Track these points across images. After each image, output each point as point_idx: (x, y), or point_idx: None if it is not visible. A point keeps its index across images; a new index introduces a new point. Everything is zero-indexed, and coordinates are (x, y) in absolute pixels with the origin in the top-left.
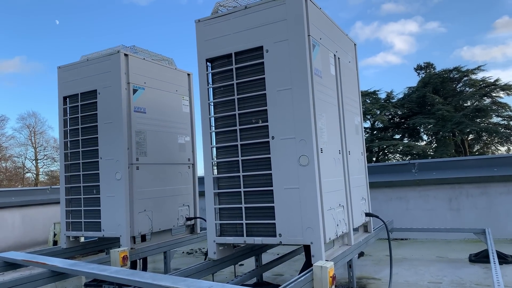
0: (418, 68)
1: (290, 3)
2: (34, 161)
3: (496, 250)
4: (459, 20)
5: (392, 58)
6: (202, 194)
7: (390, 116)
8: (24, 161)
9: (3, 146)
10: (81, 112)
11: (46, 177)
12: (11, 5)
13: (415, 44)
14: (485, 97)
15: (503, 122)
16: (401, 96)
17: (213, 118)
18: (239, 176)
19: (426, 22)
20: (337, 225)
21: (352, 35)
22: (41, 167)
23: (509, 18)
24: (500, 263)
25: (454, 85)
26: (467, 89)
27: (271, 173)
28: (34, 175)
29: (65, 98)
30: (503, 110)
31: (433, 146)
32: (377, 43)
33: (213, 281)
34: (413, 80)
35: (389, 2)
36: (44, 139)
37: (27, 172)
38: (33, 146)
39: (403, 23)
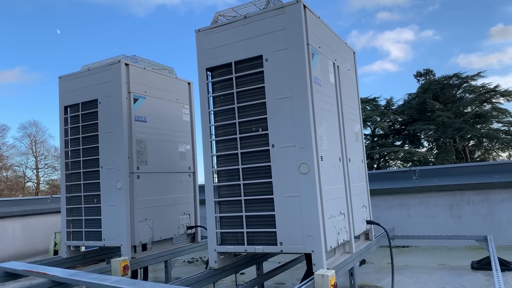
0: (418, 75)
1: (289, 13)
2: (35, 170)
3: (498, 257)
4: (454, 28)
5: (389, 66)
6: (202, 202)
7: (390, 123)
8: (25, 170)
9: (4, 155)
10: (82, 122)
11: (47, 186)
12: (12, 16)
13: (411, 52)
14: (485, 103)
15: (503, 128)
16: (401, 102)
17: (213, 127)
18: (239, 184)
19: (422, 31)
20: (338, 233)
21: (348, 43)
22: (42, 176)
23: (504, 26)
24: (502, 270)
25: (454, 92)
26: (467, 95)
27: (271, 181)
28: (35, 184)
29: (66, 107)
30: (504, 116)
31: (434, 152)
32: (373, 51)
33: None
34: (411, 87)
35: (384, 11)
36: (45, 148)
37: (28, 181)
38: (34, 155)
39: (398, 31)
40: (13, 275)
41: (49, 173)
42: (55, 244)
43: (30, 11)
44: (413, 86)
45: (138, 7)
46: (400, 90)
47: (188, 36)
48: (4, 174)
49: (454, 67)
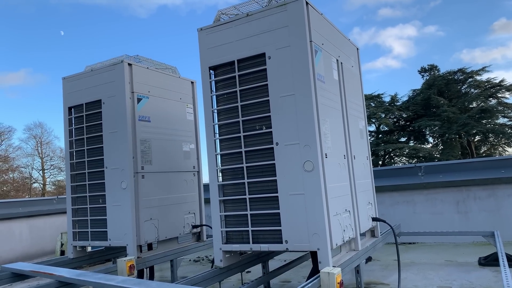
0: (422, 71)
1: (291, 10)
2: (41, 171)
3: (505, 253)
4: (457, 23)
5: (392, 63)
6: (207, 201)
7: (395, 119)
8: (31, 171)
9: (10, 157)
10: (86, 122)
11: (53, 187)
12: (15, 19)
13: (414, 48)
14: (491, 98)
15: (509, 123)
16: (405, 99)
17: (217, 125)
18: (244, 183)
19: (424, 26)
20: (344, 230)
21: (351, 40)
22: (48, 177)
23: (507, 20)
24: (510, 266)
25: (458, 87)
26: (472, 90)
27: (276, 179)
28: (41, 185)
29: (70, 108)
30: (509, 111)
31: (439, 148)
32: (376, 48)
33: None
34: (415, 83)
35: (386, 7)
36: (50, 149)
37: (34, 183)
38: (39, 156)
39: (401, 27)
40: (20, 276)
41: (55, 174)
42: (62, 244)
43: (33, 13)
44: (418, 82)
45: (140, 8)
46: (404, 86)
47: (190, 35)
48: (11, 175)
49: (457, 63)
